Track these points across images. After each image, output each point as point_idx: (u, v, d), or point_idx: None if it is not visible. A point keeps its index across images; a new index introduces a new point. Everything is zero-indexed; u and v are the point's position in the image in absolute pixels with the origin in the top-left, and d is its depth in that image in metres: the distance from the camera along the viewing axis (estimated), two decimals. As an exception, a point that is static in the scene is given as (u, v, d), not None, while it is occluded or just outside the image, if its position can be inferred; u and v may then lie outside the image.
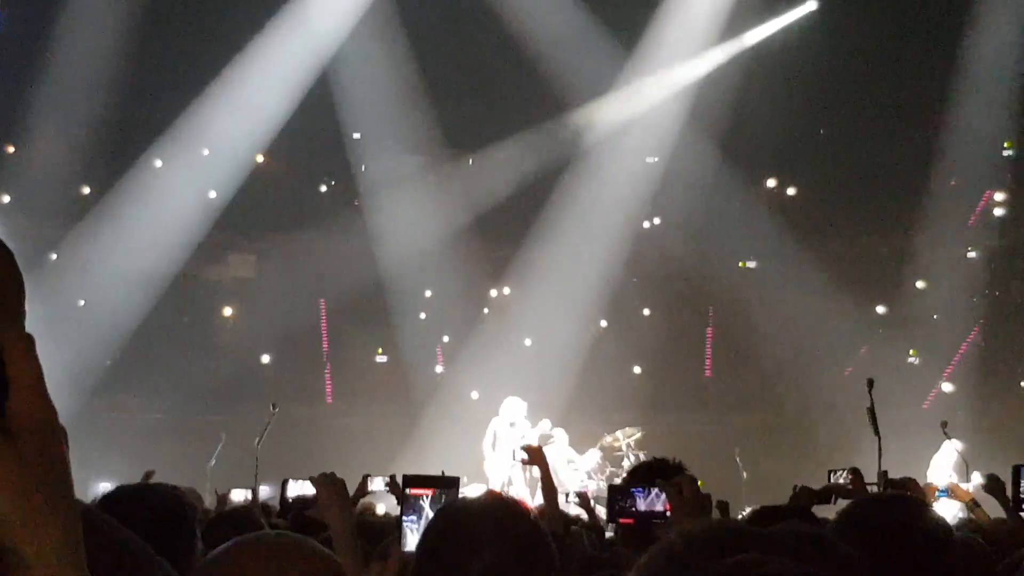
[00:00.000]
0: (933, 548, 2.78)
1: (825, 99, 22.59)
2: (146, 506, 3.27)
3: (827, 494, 5.99)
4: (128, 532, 2.50)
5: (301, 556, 2.25)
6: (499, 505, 2.68)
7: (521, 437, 15.61)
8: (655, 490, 3.56)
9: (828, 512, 5.49)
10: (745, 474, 17.84)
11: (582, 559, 5.04)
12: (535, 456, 6.64)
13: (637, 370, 23.38)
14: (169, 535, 2.98)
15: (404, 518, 4.10)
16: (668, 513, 3.50)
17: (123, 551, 2.37)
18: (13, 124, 20.62)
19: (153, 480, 13.42)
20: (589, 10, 21.21)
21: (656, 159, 22.58)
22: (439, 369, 23.77)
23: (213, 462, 17.02)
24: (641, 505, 3.58)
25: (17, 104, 20.31)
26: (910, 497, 3.49)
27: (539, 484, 7.39)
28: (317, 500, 4.52)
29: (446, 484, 4.44)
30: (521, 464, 13.41)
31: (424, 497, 4.25)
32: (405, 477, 4.48)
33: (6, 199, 21.88)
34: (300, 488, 6.44)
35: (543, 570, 2.58)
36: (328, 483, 4.45)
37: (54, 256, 20.98)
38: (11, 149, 21.24)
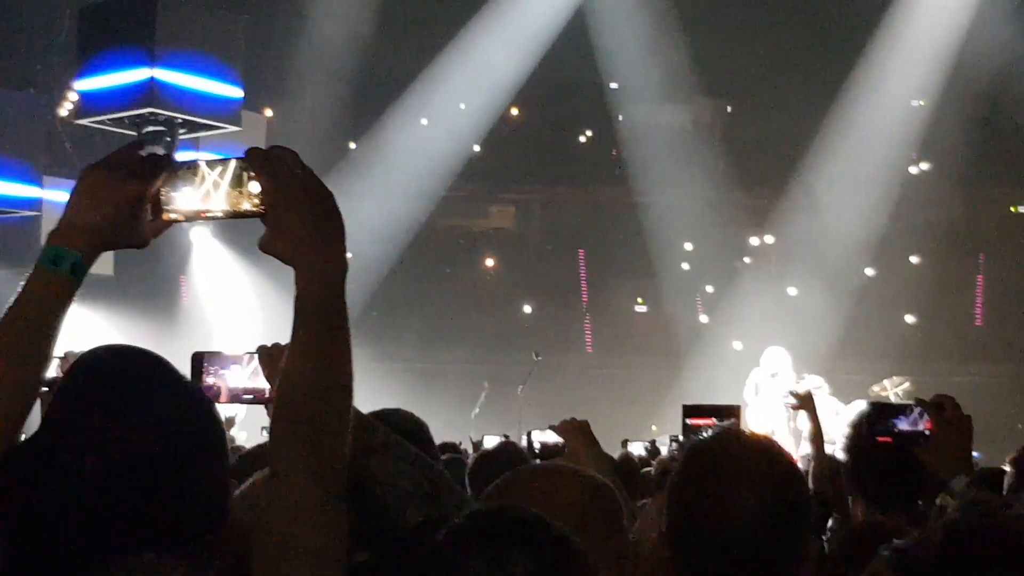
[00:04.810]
0: None
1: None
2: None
3: None
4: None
5: (581, 480, 2.50)
6: (764, 446, 2.60)
7: (783, 387, 15.39)
8: (917, 410, 3.48)
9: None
10: (1021, 425, 17.25)
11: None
12: (804, 402, 6.46)
13: (905, 319, 22.80)
14: None
15: None
16: (928, 432, 3.42)
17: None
18: (271, 89, 21.25)
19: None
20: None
21: (922, 102, 21.85)
22: (701, 319, 23.60)
23: (477, 410, 17.35)
24: (903, 425, 3.50)
25: (275, 68, 20.92)
26: None
27: (803, 435, 7.23)
28: (565, 447, 4.54)
29: (726, 413, 4.39)
30: (786, 409, 13.17)
31: (704, 430, 4.19)
32: (685, 407, 4.50)
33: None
34: (542, 437, 6.45)
35: (801, 523, 2.52)
36: (575, 428, 4.47)
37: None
38: (269, 113, 21.93)
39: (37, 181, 13.79)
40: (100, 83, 11.94)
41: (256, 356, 2.81)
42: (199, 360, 2.75)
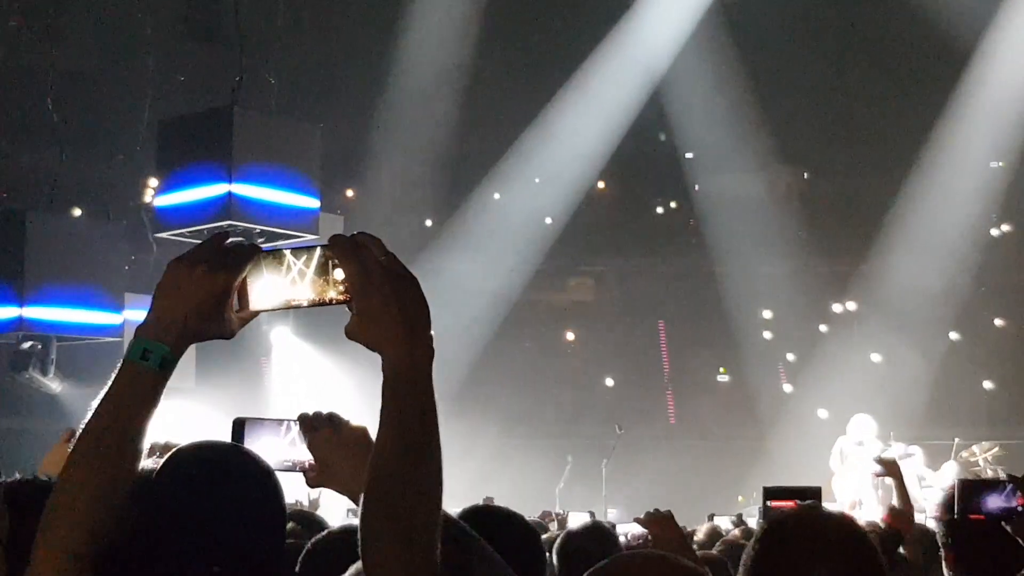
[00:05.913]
0: None
1: None
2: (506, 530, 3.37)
3: None
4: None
5: (679, 569, 2.41)
6: (839, 521, 2.63)
7: (870, 455, 15.20)
8: (1009, 487, 3.44)
9: None
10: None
11: None
12: (890, 469, 6.42)
13: (990, 384, 22.42)
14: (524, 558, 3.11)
15: None
16: (1020, 508, 3.38)
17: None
18: (352, 170, 21.51)
19: (502, 503, 13.72)
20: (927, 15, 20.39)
21: (1001, 163, 21.63)
22: (784, 388, 23.37)
23: (562, 484, 17.27)
24: (994, 503, 3.47)
25: (355, 150, 21.20)
26: None
27: (891, 503, 7.15)
28: (649, 539, 4.52)
29: (809, 495, 4.40)
30: (873, 478, 13.03)
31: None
32: (766, 490, 4.49)
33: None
34: (626, 529, 6.36)
35: None
36: (660, 520, 4.44)
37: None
38: (350, 193, 22.22)
39: (118, 308, 13.93)
40: (178, 199, 12.04)
41: (294, 424, 2.75)
42: (240, 426, 2.72)
